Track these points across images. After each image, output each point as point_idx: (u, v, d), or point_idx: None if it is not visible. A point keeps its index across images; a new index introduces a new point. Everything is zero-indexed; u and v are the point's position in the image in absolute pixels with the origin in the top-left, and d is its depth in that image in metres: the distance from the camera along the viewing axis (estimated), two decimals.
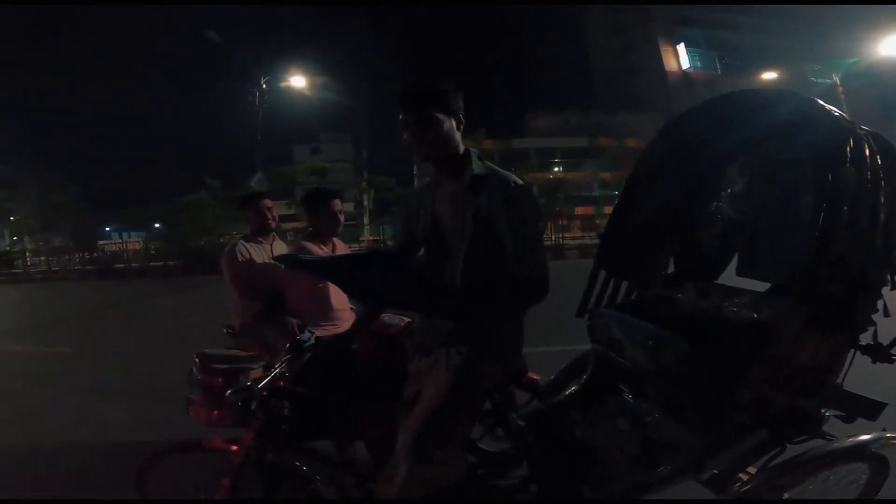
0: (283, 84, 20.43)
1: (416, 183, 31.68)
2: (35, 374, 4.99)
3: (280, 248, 2.77)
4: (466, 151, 1.47)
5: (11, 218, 30.93)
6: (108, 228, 37.51)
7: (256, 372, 1.72)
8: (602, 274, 1.91)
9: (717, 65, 41.71)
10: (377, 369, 1.75)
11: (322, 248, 2.43)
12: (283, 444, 1.55)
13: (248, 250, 2.62)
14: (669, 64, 42.09)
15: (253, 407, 1.46)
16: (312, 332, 2.26)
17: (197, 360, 1.77)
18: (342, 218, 2.50)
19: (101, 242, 28.12)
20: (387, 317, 1.88)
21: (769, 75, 24.54)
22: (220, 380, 1.70)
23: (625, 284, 1.97)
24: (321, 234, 2.48)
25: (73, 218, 28.49)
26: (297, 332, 2.26)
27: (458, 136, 1.45)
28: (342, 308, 2.51)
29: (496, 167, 1.47)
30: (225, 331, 2.59)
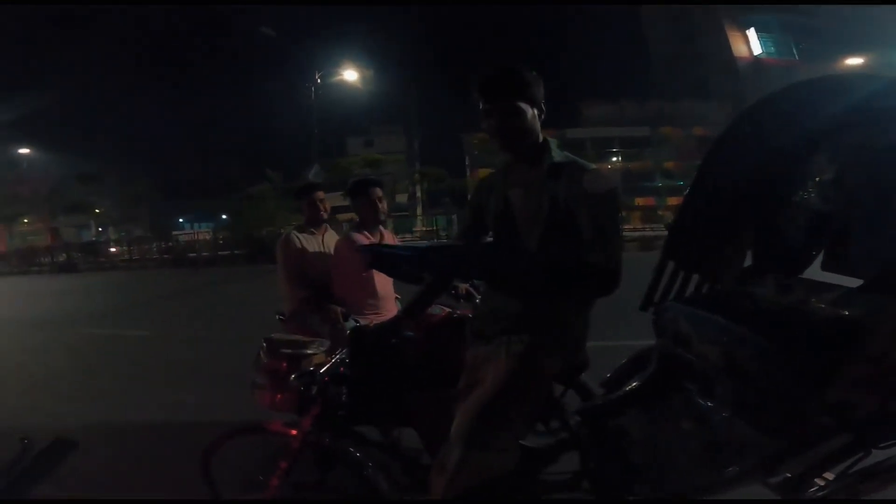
0: (336, 78, 20.89)
1: (468, 174, 31.67)
2: (115, 355, 5.43)
3: (331, 238, 2.83)
4: (545, 140, 1.46)
5: (97, 210, 33.89)
6: (181, 219, 40.13)
7: (319, 357, 1.77)
8: (670, 266, 1.82)
9: (794, 50, 38.44)
10: (427, 357, 1.76)
11: (369, 238, 2.47)
12: (339, 430, 1.57)
13: (300, 240, 2.69)
14: (738, 49, 39.03)
15: (313, 392, 1.50)
16: (357, 321, 2.35)
17: (264, 344, 1.83)
18: (383, 206, 2.52)
19: (174, 233, 30.22)
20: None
21: (853, 61, 22.44)
22: (285, 364, 1.74)
23: (695, 278, 1.86)
24: (365, 223, 2.52)
25: (150, 209, 30.81)
26: (341, 319, 2.35)
27: (538, 125, 1.44)
28: (386, 296, 2.54)
29: (576, 157, 1.46)
30: (276, 317, 2.68)
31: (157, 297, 11.22)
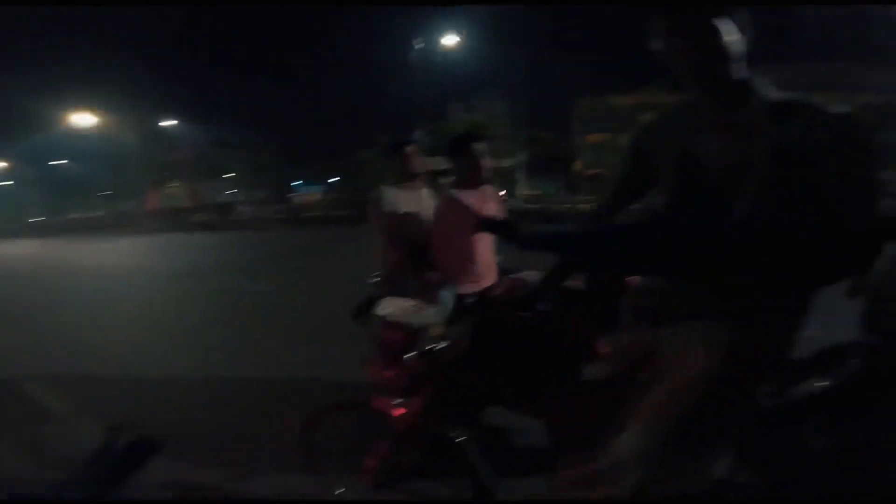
0: (437, 43, 20.77)
1: (580, 138, 30.16)
2: (242, 309, 5.83)
3: (427, 194, 2.67)
4: (752, 77, 1.12)
5: (231, 174, 37.94)
6: (298, 182, 43.46)
7: (436, 329, 1.52)
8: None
9: None
10: (565, 337, 1.48)
11: (471, 198, 2.24)
12: (451, 416, 1.42)
13: (393, 196, 2.53)
14: None
15: (430, 372, 1.36)
16: (454, 292, 2.08)
17: (377, 312, 1.65)
18: (487, 162, 2.28)
19: (289, 195, 32.86)
20: (532, 274, 1.67)
21: None
22: (400, 336, 1.57)
23: None
24: (467, 181, 2.27)
25: (272, 174, 33.78)
26: (437, 287, 2.09)
27: (741, 56, 1.11)
28: (488, 262, 2.31)
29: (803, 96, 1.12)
30: (370, 279, 2.52)
31: (277, 255, 12.12)
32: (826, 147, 1.03)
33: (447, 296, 2.16)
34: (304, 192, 36.06)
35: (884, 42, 32.91)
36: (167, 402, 3.03)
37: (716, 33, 1.08)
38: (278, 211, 27.40)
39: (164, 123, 38.70)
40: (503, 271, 2.34)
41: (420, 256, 2.34)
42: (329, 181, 32.01)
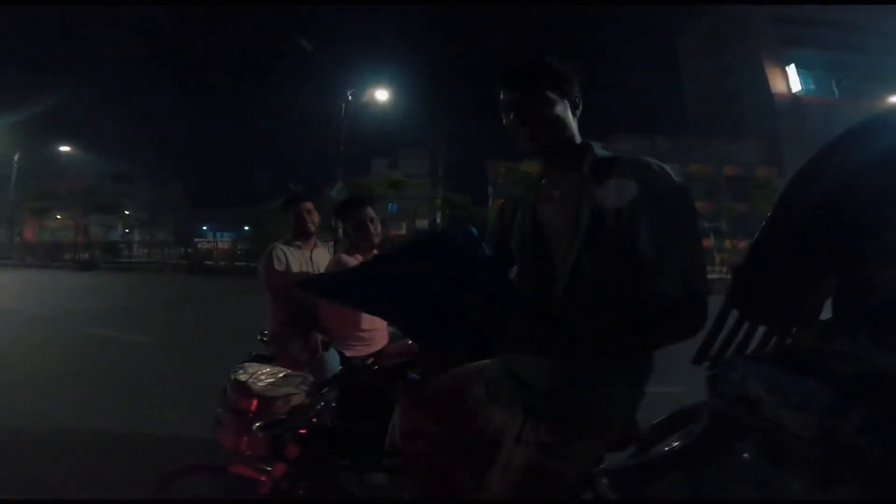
0: (366, 98, 21.06)
1: (490, 202, 31.54)
2: (110, 359, 5.24)
3: (321, 255, 2.64)
4: (586, 143, 1.16)
5: (126, 212, 34.84)
6: (204, 227, 40.90)
7: (298, 397, 1.51)
8: (733, 315, 1.55)
9: (834, 88, 37.77)
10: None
11: (360, 261, 2.26)
12: (320, 481, 1.40)
13: (285, 255, 2.49)
14: (777, 86, 38.53)
15: (286, 441, 1.33)
16: (341, 353, 2.19)
17: (231, 376, 1.60)
18: (377, 227, 2.32)
19: (196, 240, 30.73)
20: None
21: None
22: (255, 403, 1.51)
23: (761, 330, 1.55)
24: (358, 245, 2.31)
25: (176, 215, 31.51)
26: (322, 348, 2.17)
27: (573, 123, 1.16)
28: (375, 328, 2.33)
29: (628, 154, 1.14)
30: (259, 337, 2.47)
31: (166, 302, 11.18)
32: (639, 203, 1.00)
33: (334, 357, 2.19)
34: (211, 238, 33.92)
35: (751, 120, 38.97)
36: (13, 455, 2.71)
37: (544, 102, 1.11)
38: (179, 256, 25.46)
39: (58, 149, 35.25)
40: (394, 337, 2.37)
41: (307, 317, 2.31)
42: (243, 229, 30.56)
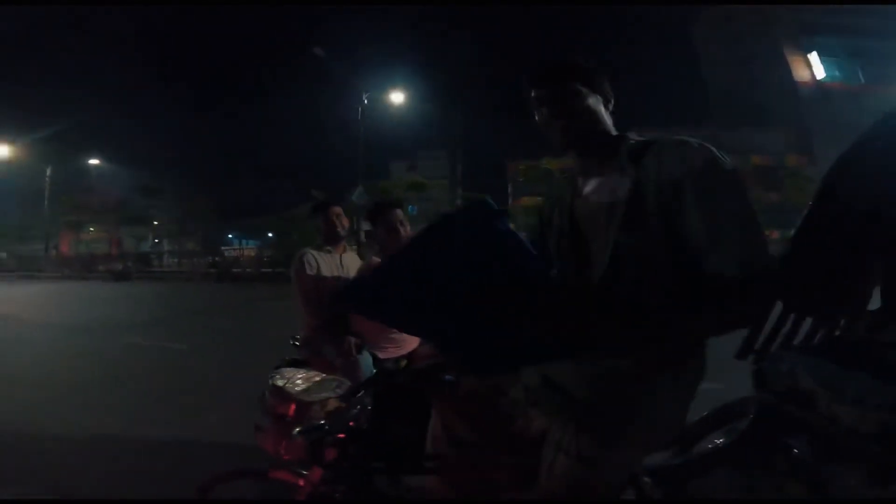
0: (382, 101, 21.18)
1: (510, 202, 31.37)
2: (149, 367, 5.41)
3: (351, 259, 2.66)
4: (621, 134, 1.14)
5: (155, 222, 35.86)
6: (230, 235, 41.75)
7: (334, 402, 1.53)
8: (778, 307, 1.51)
9: (860, 74, 36.45)
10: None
11: None
12: (355, 484, 1.39)
13: (316, 260, 2.51)
14: (800, 74, 37.20)
15: (325, 445, 1.31)
16: (375, 355, 2.21)
17: (269, 381, 1.62)
18: (406, 230, 2.32)
19: (223, 248, 31.44)
20: None
21: None
22: (293, 408, 1.53)
23: (808, 322, 1.51)
24: (388, 249, 2.33)
25: (203, 224, 32.28)
26: (356, 351, 2.19)
27: (607, 116, 1.15)
28: None
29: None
30: (291, 342, 2.50)
31: (198, 310, 11.46)
32: (685, 177, 0.95)
33: (367, 360, 2.21)
34: (237, 246, 34.67)
35: (775, 109, 37.87)
36: (59, 461, 2.79)
37: (575, 95, 1.11)
38: (207, 265, 26.11)
39: (88, 162, 36.52)
40: None
41: (340, 321, 2.32)
42: (267, 236, 31.14)
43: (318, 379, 1.62)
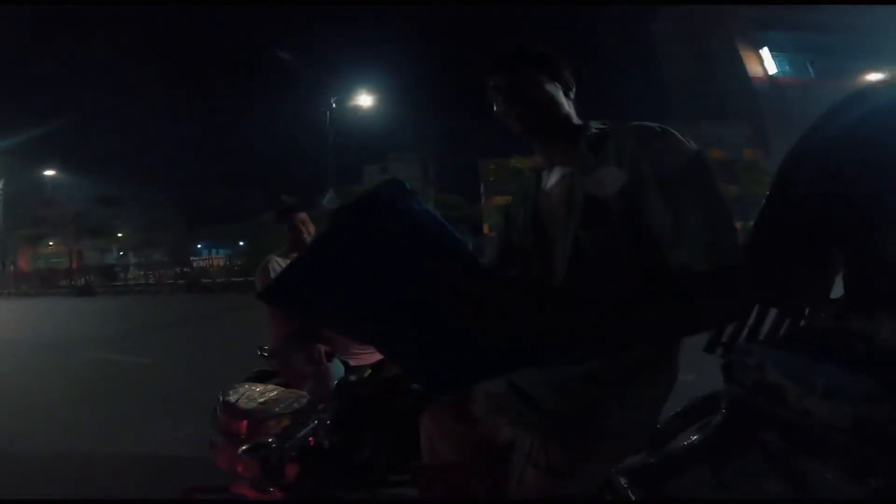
0: (351, 104, 20.95)
1: (483, 201, 31.51)
2: (115, 382, 5.24)
3: None
4: (584, 123, 1.07)
5: (119, 234, 34.58)
6: (199, 245, 40.61)
7: (285, 420, 1.46)
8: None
9: (810, 68, 38.01)
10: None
11: None
12: (323, 499, 1.39)
13: (281, 267, 2.44)
14: (753, 70, 38.61)
15: (279, 464, 1.29)
16: (345, 362, 2.15)
17: (220, 397, 1.57)
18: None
19: (192, 258, 30.56)
20: None
21: (873, 76, 22.09)
22: (245, 424, 1.48)
23: (773, 313, 1.53)
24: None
25: (170, 235, 31.30)
26: (325, 360, 2.13)
27: (568, 104, 1.08)
28: None
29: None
30: (258, 352, 2.42)
31: (166, 323, 11.13)
32: (648, 165, 0.88)
33: (338, 367, 2.14)
34: (206, 255, 33.74)
35: (732, 103, 38.95)
36: (23, 480, 2.72)
37: (534, 83, 1.06)
38: (175, 275, 25.32)
39: (44, 173, 34.92)
40: None
41: (309, 329, 2.24)
42: (238, 244, 30.43)
43: (274, 394, 1.57)
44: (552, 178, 1.09)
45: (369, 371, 1.97)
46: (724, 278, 0.80)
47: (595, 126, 1.03)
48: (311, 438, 1.28)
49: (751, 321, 1.49)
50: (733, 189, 25.30)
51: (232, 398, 1.54)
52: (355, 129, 26.77)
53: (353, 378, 1.37)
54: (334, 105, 19.95)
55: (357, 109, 21.12)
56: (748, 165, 25.48)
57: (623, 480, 1.22)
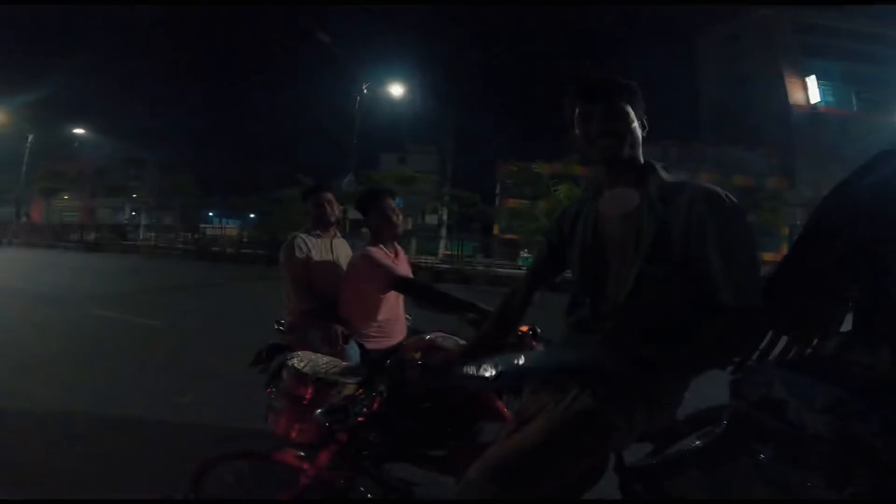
0: (380, 92, 21.02)
1: (497, 202, 31.41)
2: (120, 342, 5.26)
3: (341, 245, 2.66)
4: (649, 162, 1.26)
5: (134, 195, 34.97)
6: (210, 213, 40.90)
7: (350, 388, 1.53)
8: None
9: (854, 100, 37.28)
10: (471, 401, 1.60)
11: (386, 253, 2.28)
12: (358, 471, 1.42)
13: (306, 244, 2.49)
14: (795, 97, 37.71)
15: (340, 430, 1.35)
16: (361, 344, 2.22)
17: (288, 362, 1.64)
18: (398, 218, 2.32)
19: (202, 226, 30.83)
20: (440, 336, 1.77)
21: None
22: (309, 390, 1.57)
23: (783, 339, 1.60)
24: (381, 237, 2.31)
25: (183, 200, 31.57)
26: (342, 340, 2.17)
27: (640, 141, 1.24)
28: (396, 318, 2.36)
29: (691, 178, 1.29)
30: (276, 326, 2.47)
31: (174, 286, 11.21)
32: (703, 224, 1.12)
33: (354, 349, 2.19)
34: (218, 224, 34.01)
35: (765, 130, 38.39)
36: (24, 440, 2.67)
37: (625, 116, 1.19)
38: (186, 241, 25.57)
39: (72, 131, 35.41)
40: (412, 330, 2.37)
41: (328, 308, 2.31)
42: (249, 216, 30.63)
43: (335, 366, 1.65)
44: (616, 205, 1.24)
45: (418, 353, 2.02)
46: (752, 316, 1.13)
47: (663, 174, 1.22)
48: (365, 409, 1.34)
49: (763, 345, 1.55)
50: (751, 218, 24.88)
51: (298, 365, 1.60)
52: (379, 117, 26.80)
53: (404, 357, 1.45)
54: (365, 91, 19.97)
55: (384, 98, 21.16)
56: (770, 195, 24.95)
57: (628, 474, 1.37)
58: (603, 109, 1.19)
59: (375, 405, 1.35)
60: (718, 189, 1.16)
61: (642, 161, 1.25)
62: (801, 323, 1.53)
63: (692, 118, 48.12)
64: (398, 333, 2.34)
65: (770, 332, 1.54)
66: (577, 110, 1.22)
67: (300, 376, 1.59)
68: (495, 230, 28.94)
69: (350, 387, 1.51)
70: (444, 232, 27.18)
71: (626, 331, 1.19)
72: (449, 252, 24.62)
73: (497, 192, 33.15)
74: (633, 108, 1.20)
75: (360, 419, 1.30)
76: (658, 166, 1.25)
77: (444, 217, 27.28)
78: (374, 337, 2.26)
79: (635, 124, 1.20)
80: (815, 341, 1.56)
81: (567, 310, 1.35)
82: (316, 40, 17.17)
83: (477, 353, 1.41)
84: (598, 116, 1.19)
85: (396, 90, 20.63)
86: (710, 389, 1.42)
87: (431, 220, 29.51)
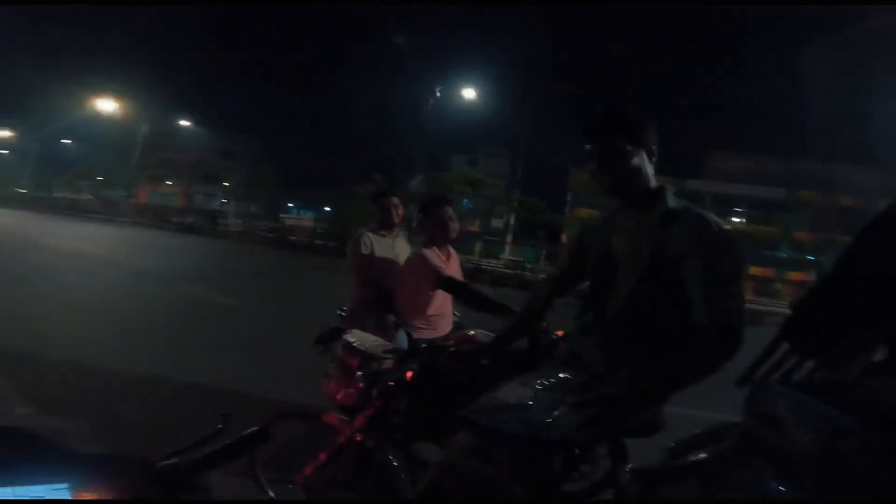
0: (454, 94, 21.35)
1: (567, 210, 30.77)
2: (202, 317, 5.81)
3: (402, 244, 2.88)
4: (661, 187, 1.34)
5: (226, 184, 38.07)
6: (290, 204, 43.52)
7: (389, 363, 1.73)
8: (783, 346, 1.55)
9: None
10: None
11: (439, 255, 2.46)
12: (387, 435, 1.59)
13: (371, 241, 2.73)
14: None
15: (374, 393, 1.56)
16: (409, 333, 2.40)
17: (345, 338, 1.88)
18: (454, 225, 2.49)
19: (282, 216, 32.93)
20: (480, 333, 1.91)
21: None
22: (357, 360, 1.78)
23: (809, 364, 1.56)
24: (435, 240, 2.49)
25: (267, 191, 33.96)
26: (393, 329, 2.40)
27: (649, 169, 1.33)
28: (444, 314, 2.54)
29: (695, 207, 1.34)
30: (338, 312, 2.72)
31: (254, 271, 12.15)
32: (695, 248, 1.21)
33: (402, 337, 2.37)
34: (296, 215, 36.20)
35: (882, 148, 34.11)
36: (104, 396, 3.01)
37: (622, 154, 1.28)
38: (267, 229, 27.43)
39: (178, 123, 39.31)
40: (457, 326, 2.57)
41: (384, 299, 2.53)
42: (324, 209, 32.36)
43: (382, 345, 1.87)
44: (627, 226, 1.36)
45: (451, 342, 2.15)
46: (733, 332, 1.18)
47: (670, 201, 1.31)
48: (397, 377, 1.56)
49: (785, 368, 1.54)
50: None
51: (351, 340, 1.85)
52: (452, 119, 27.22)
53: (438, 343, 1.66)
54: (438, 94, 20.37)
55: (457, 100, 21.45)
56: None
57: (629, 476, 1.42)
58: (598, 148, 1.30)
59: (407, 376, 1.54)
60: (713, 217, 1.25)
61: (653, 185, 1.32)
62: (833, 353, 1.46)
63: (798, 132, 44.03)
64: (444, 327, 2.51)
65: (794, 357, 1.52)
66: (587, 148, 1.32)
67: (351, 349, 1.82)
68: (563, 238, 28.37)
69: (389, 361, 1.70)
70: (509, 238, 27.01)
71: (616, 339, 1.29)
72: (512, 258, 24.45)
73: (568, 199, 32.51)
74: (633, 142, 1.27)
75: (390, 383, 1.50)
76: (669, 192, 1.33)
77: (511, 221, 27.13)
78: (422, 329, 2.43)
79: (635, 159, 1.28)
80: (837, 367, 1.55)
81: (577, 314, 1.45)
82: (393, 43, 17.73)
83: (500, 349, 1.61)
84: (597, 154, 1.30)
85: (469, 93, 20.85)
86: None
87: (497, 223, 29.45)
